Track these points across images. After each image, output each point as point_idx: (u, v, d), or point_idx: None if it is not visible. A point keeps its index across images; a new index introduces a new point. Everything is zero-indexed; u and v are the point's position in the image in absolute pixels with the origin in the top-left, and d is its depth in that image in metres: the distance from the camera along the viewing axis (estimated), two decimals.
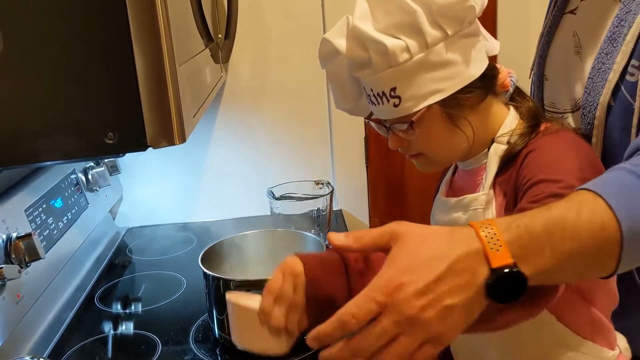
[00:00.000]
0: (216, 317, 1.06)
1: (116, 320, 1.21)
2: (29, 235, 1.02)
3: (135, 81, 0.74)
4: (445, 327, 0.59)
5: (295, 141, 1.65)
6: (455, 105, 0.83)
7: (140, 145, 0.78)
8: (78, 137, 0.77)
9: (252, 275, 1.14)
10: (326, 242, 1.34)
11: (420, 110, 0.82)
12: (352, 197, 1.68)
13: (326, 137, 1.65)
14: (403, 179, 1.66)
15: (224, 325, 1.06)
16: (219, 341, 1.07)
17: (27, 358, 0.86)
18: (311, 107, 1.63)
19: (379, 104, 0.85)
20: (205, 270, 1.03)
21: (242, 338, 0.75)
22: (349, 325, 0.59)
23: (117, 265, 1.46)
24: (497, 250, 0.58)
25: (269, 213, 1.39)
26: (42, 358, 0.85)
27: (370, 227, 1.48)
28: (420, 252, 0.60)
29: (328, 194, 1.37)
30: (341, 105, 0.97)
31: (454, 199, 0.93)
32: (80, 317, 1.20)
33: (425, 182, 1.64)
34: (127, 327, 1.17)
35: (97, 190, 1.47)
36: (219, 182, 1.68)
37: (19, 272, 0.97)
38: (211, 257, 1.11)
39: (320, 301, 0.71)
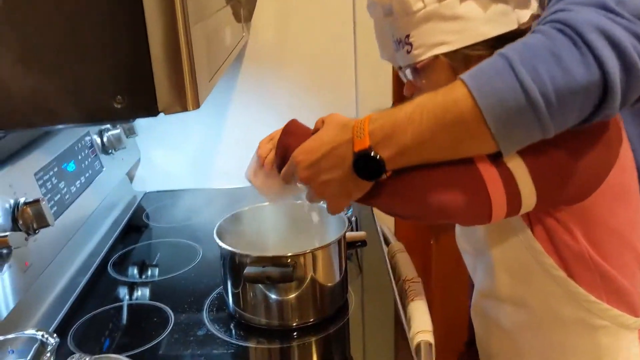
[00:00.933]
0: (231, 291, 1.01)
1: (129, 289, 1.17)
2: (37, 201, 0.97)
3: (146, 41, 0.67)
4: (325, 196, 0.80)
5: (319, 106, 1.57)
6: (462, 61, 0.83)
7: (151, 110, 0.72)
8: (84, 101, 0.71)
9: (271, 248, 1.09)
10: (347, 214, 1.29)
11: (427, 58, 0.84)
12: None
13: (352, 102, 1.57)
14: None
15: (239, 300, 1.01)
16: (234, 316, 1.03)
17: (31, 332, 0.82)
18: (337, 69, 1.55)
19: (398, 50, 0.88)
20: (221, 245, 0.98)
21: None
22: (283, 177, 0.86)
23: (132, 231, 1.42)
24: (360, 138, 0.74)
25: None
26: (47, 332, 0.81)
27: None
28: (320, 136, 0.80)
29: None
30: (383, 55, 0.97)
31: None
32: (93, 285, 1.17)
33: None
34: (140, 297, 1.13)
35: (113, 154, 1.42)
36: (238, 148, 1.61)
37: (26, 239, 0.92)
38: (228, 229, 1.06)
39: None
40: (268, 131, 1.63)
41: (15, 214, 0.96)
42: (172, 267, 1.22)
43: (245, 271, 0.92)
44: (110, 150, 1.40)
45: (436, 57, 0.84)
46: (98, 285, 1.17)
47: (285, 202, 1.06)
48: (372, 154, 0.73)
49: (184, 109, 0.74)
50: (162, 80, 0.71)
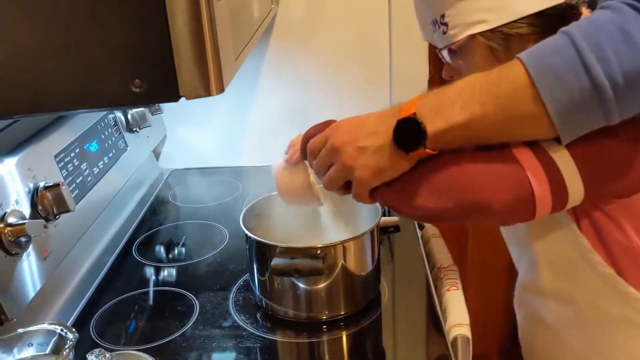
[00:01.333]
0: (258, 280, 0.97)
1: (154, 273, 1.13)
2: (57, 185, 0.94)
3: (165, 18, 0.61)
4: (357, 164, 0.73)
5: (350, 84, 1.50)
6: (501, 40, 0.78)
7: (171, 95, 0.67)
8: (100, 85, 0.66)
9: (298, 235, 1.04)
10: None
11: (463, 38, 0.80)
12: None
13: (385, 81, 1.49)
14: None
15: (266, 289, 0.96)
16: (260, 306, 0.98)
17: (51, 325, 0.78)
18: (370, 45, 1.47)
19: (435, 31, 0.85)
20: (248, 234, 0.93)
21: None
22: (310, 149, 0.79)
23: (158, 211, 1.38)
24: (406, 107, 0.69)
25: None
26: (66, 327, 0.78)
27: None
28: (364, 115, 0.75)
29: None
30: (424, 36, 0.92)
31: None
32: (117, 268, 1.14)
33: None
34: (164, 283, 1.10)
35: (138, 132, 1.37)
36: (267, 124, 1.56)
37: (45, 227, 0.89)
38: (254, 213, 1.01)
39: None
40: (297, 107, 1.58)
41: (35, 199, 0.92)
42: (198, 251, 1.18)
43: (272, 263, 0.87)
44: (134, 129, 1.36)
45: (473, 37, 0.79)
46: (122, 269, 1.14)
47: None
48: (416, 120, 0.67)
49: (208, 93, 0.68)
50: (183, 63, 0.65)
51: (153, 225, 1.31)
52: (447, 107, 0.67)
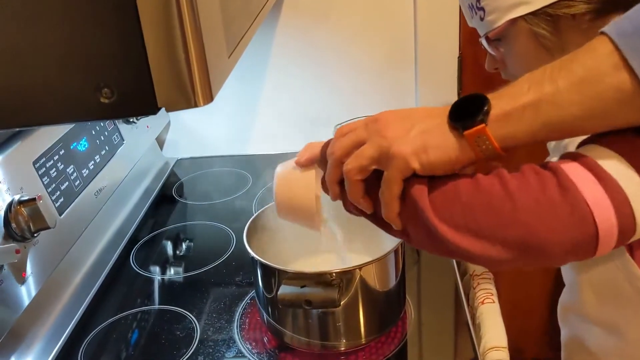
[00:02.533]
0: (264, 302, 0.84)
1: (152, 289, 1.02)
2: (32, 200, 0.82)
3: (135, 11, 0.48)
4: (398, 138, 0.56)
5: (369, 63, 1.34)
6: (550, 24, 0.68)
7: (148, 106, 0.54)
8: (61, 95, 0.53)
9: (312, 247, 0.91)
10: None
11: (503, 24, 0.70)
12: None
13: (410, 58, 1.33)
14: None
15: (274, 313, 0.84)
16: (269, 331, 0.86)
17: None
18: (392, 19, 1.31)
19: (472, 17, 0.75)
20: (253, 255, 0.81)
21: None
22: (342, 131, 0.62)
23: (161, 210, 1.26)
24: None
25: None
26: None
27: None
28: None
29: None
30: (468, 21, 0.81)
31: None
32: (111, 284, 1.02)
33: None
34: (163, 300, 0.98)
35: (135, 122, 1.25)
36: (278, 108, 1.42)
37: (17, 252, 0.77)
38: (260, 223, 0.89)
39: None
40: (312, 89, 1.43)
41: (8, 216, 0.80)
42: (201, 260, 1.06)
43: (279, 292, 0.74)
44: (131, 119, 1.23)
45: (513, 21, 0.70)
46: (117, 283, 1.02)
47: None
48: (478, 94, 0.55)
49: (191, 104, 0.55)
50: (159, 67, 0.52)
51: (154, 227, 1.19)
52: (512, 89, 0.54)
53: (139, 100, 0.53)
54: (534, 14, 0.68)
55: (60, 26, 0.49)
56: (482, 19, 0.73)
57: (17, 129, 0.88)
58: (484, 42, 0.75)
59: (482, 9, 0.72)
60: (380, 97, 1.35)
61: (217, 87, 0.58)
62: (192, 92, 0.53)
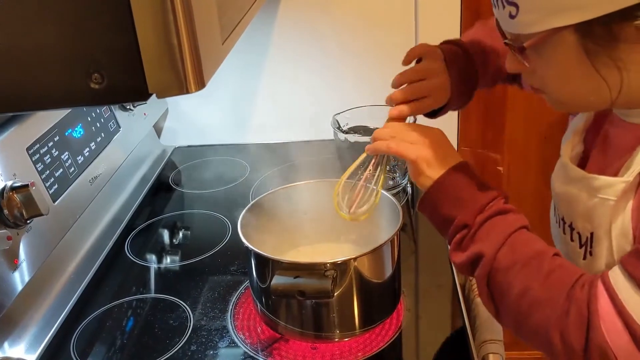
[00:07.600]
0: (258, 292, 0.84)
1: (146, 277, 1.01)
2: (25, 186, 0.81)
3: None
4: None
5: (372, 48, 1.33)
6: (602, 36, 0.54)
7: (138, 92, 0.54)
8: (50, 80, 0.52)
9: (308, 237, 0.90)
10: (403, 182, 1.08)
11: (543, 32, 0.56)
12: (439, 123, 1.37)
13: (411, 45, 1.31)
14: (504, 105, 1.33)
15: (268, 303, 0.83)
16: (262, 321, 0.86)
17: None
18: (393, 8, 1.29)
19: (497, 7, 0.61)
20: (247, 244, 0.80)
21: None
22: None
23: (157, 197, 1.26)
24: None
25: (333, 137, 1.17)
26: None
27: None
28: None
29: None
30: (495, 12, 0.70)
31: (577, 171, 0.67)
32: (106, 271, 1.01)
33: (532, 114, 1.31)
34: (158, 289, 0.97)
35: (132, 110, 1.24)
36: (276, 99, 1.41)
37: (9, 238, 0.76)
38: (254, 214, 0.88)
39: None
40: (313, 74, 1.41)
41: (1, 202, 0.79)
42: (197, 249, 1.06)
43: (272, 283, 0.73)
44: (128, 106, 1.22)
45: (557, 30, 0.55)
46: (112, 270, 1.02)
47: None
48: None
49: (182, 90, 0.54)
50: (150, 52, 0.51)
51: (150, 215, 1.18)
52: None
53: (129, 86, 0.52)
54: (587, 23, 0.54)
55: (50, 11, 0.49)
56: (512, 17, 0.57)
57: (10, 114, 0.87)
58: (509, 44, 0.61)
59: (515, 4, 0.56)
60: (380, 87, 1.34)
61: (209, 73, 0.57)
62: (184, 78, 0.53)
